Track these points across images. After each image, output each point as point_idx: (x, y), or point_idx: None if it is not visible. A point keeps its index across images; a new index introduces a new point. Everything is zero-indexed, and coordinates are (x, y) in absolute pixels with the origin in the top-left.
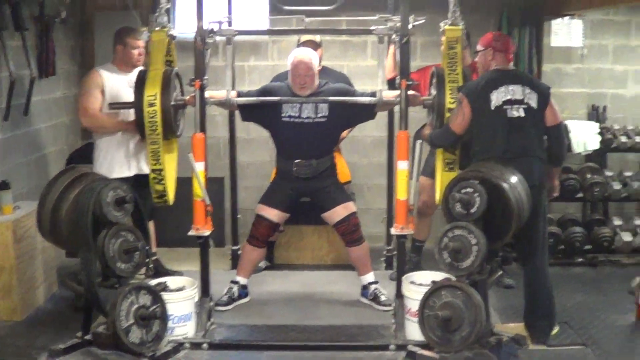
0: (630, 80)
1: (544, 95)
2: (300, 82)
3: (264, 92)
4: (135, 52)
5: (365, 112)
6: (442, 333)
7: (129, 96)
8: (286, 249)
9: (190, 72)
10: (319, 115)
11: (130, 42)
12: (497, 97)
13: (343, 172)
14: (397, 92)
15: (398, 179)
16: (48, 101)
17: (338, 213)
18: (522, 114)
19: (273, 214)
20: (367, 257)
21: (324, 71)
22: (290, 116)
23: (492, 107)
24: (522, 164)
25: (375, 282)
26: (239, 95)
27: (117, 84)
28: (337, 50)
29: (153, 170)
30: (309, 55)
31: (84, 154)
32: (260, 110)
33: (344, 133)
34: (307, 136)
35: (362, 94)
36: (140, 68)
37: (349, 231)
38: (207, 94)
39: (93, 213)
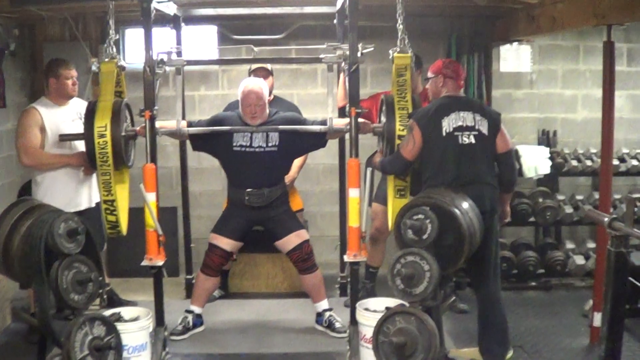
0: (579, 104)
1: (494, 122)
2: (251, 112)
3: (214, 121)
4: (69, 82)
5: (316, 141)
6: (397, 359)
7: (69, 129)
8: (240, 277)
9: (140, 103)
10: (270, 144)
11: (63, 73)
12: (448, 124)
13: (295, 200)
14: (347, 120)
15: (350, 206)
16: None
17: (291, 241)
18: (472, 140)
19: (225, 243)
20: (321, 285)
21: (275, 100)
22: (241, 145)
23: (444, 134)
24: (472, 190)
25: (330, 309)
26: (190, 125)
27: (55, 118)
28: (287, 78)
29: (105, 202)
30: (259, 85)
31: None
32: (211, 140)
33: (297, 162)
34: (258, 165)
35: (313, 123)
36: (76, 99)
37: (302, 259)
38: (157, 124)
39: (45, 245)
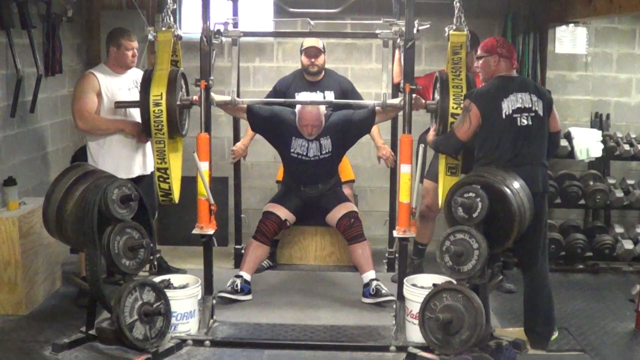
0: (634, 88)
1: (548, 103)
2: (308, 131)
3: (274, 117)
4: (129, 53)
5: (366, 128)
6: (442, 336)
7: (125, 97)
8: (289, 248)
9: (196, 72)
10: (324, 152)
11: (124, 44)
12: (508, 106)
13: (346, 170)
14: (398, 99)
15: (401, 182)
16: (54, 99)
17: (339, 211)
18: (530, 122)
19: (281, 211)
20: (369, 256)
21: (327, 74)
22: (298, 153)
23: (503, 116)
24: (527, 171)
25: (377, 279)
26: (250, 110)
27: (112, 85)
28: (342, 52)
29: (158, 169)
30: (316, 109)
31: None
32: (269, 132)
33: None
34: (313, 170)
35: (360, 115)
36: (134, 69)
37: (349, 225)
38: (215, 97)
39: (99, 210)
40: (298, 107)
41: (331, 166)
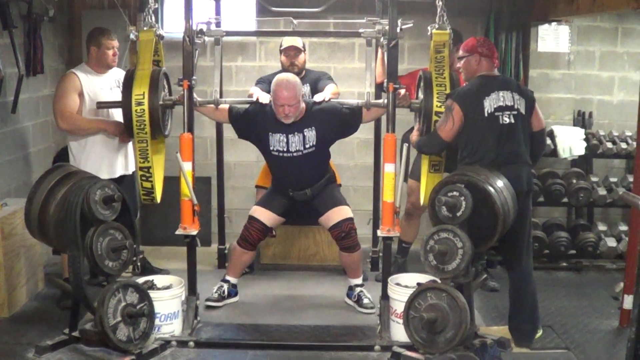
0: (616, 86)
1: (531, 101)
2: (284, 112)
3: (248, 117)
4: (110, 52)
5: (351, 126)
6: (427, 335)
7: (106, 97)
8: (272, 248)
9: (178, 72)
10: (307, 146)
11: (104, 43)
12: (489, 104)
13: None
14: (381, 100)
15: (385, 181)
16: (36, 99)
17: (331, 217)
18: (512, 120)
19: (267, 217)
20: (359, 264)
21: (307, 74)
22: (278, 150)
23: (485, 114)
24: (511, 170)
25: (361, 285)
26: (231, 111)
27: (94, 85)
28: (325, 52)
29: (141, 168)
30: (292, 83)
31: None
32: (249, 135)
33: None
34: (298, 169)
35: (347, 109)
36: (116, 68)
37: (341, 236)
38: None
39: (81, 211)
40: (273, 85)
41: (317, 164)
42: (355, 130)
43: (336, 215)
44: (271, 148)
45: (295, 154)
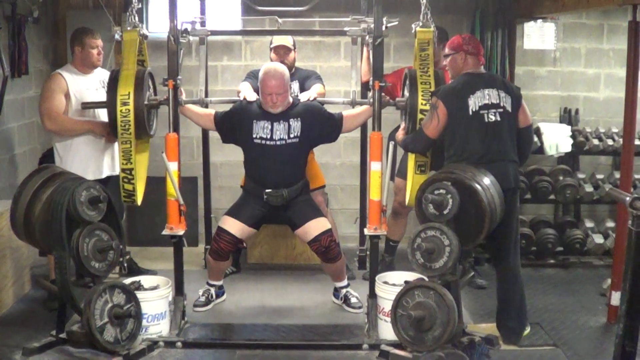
0: (602, 83)
1: (517, 98)
2: (271, 100)
3: (235, 112)
4: (94, 51)
5: (333, 130)
6: (414, 333)
7: (92, 97)
8: (259, 248)
9: (163, 72)
10: (292, 136)
11: (88, 42)
12: (474, 102)
13: (317, 176)
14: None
15: (371, 180)
16: (21, 100)
17: (308, 232)
18: (498, 118)
19: (236, 229)
20: (342, 269)
21: (296, 71)
22: (261, 137)
23: (470, 112)
24: (498, 167)
25: (347, 286)
26: (216, 115)
27: (80, 85)
28: (310, 50)
29: (123, 170)
30: (280, 72)
31: None
32: (233, 131)
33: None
34: (278, 160)
35: (331, 115)
36: (100, 68)
37: (321, 251)
38: (186, 105)
39: (67, 212)
40: (261, 74)
41: (297, 160)
42: (334, 139)
43: (313, 229)
44: (254, 136)
45: (278, 143)
